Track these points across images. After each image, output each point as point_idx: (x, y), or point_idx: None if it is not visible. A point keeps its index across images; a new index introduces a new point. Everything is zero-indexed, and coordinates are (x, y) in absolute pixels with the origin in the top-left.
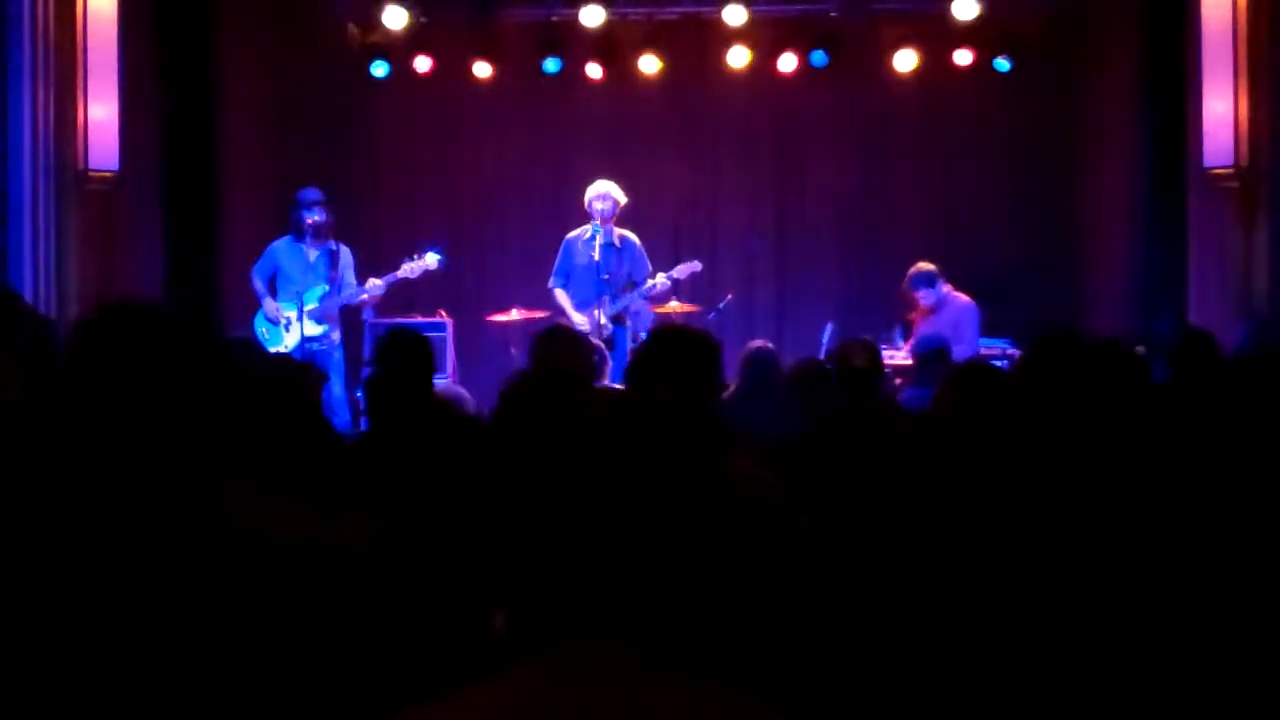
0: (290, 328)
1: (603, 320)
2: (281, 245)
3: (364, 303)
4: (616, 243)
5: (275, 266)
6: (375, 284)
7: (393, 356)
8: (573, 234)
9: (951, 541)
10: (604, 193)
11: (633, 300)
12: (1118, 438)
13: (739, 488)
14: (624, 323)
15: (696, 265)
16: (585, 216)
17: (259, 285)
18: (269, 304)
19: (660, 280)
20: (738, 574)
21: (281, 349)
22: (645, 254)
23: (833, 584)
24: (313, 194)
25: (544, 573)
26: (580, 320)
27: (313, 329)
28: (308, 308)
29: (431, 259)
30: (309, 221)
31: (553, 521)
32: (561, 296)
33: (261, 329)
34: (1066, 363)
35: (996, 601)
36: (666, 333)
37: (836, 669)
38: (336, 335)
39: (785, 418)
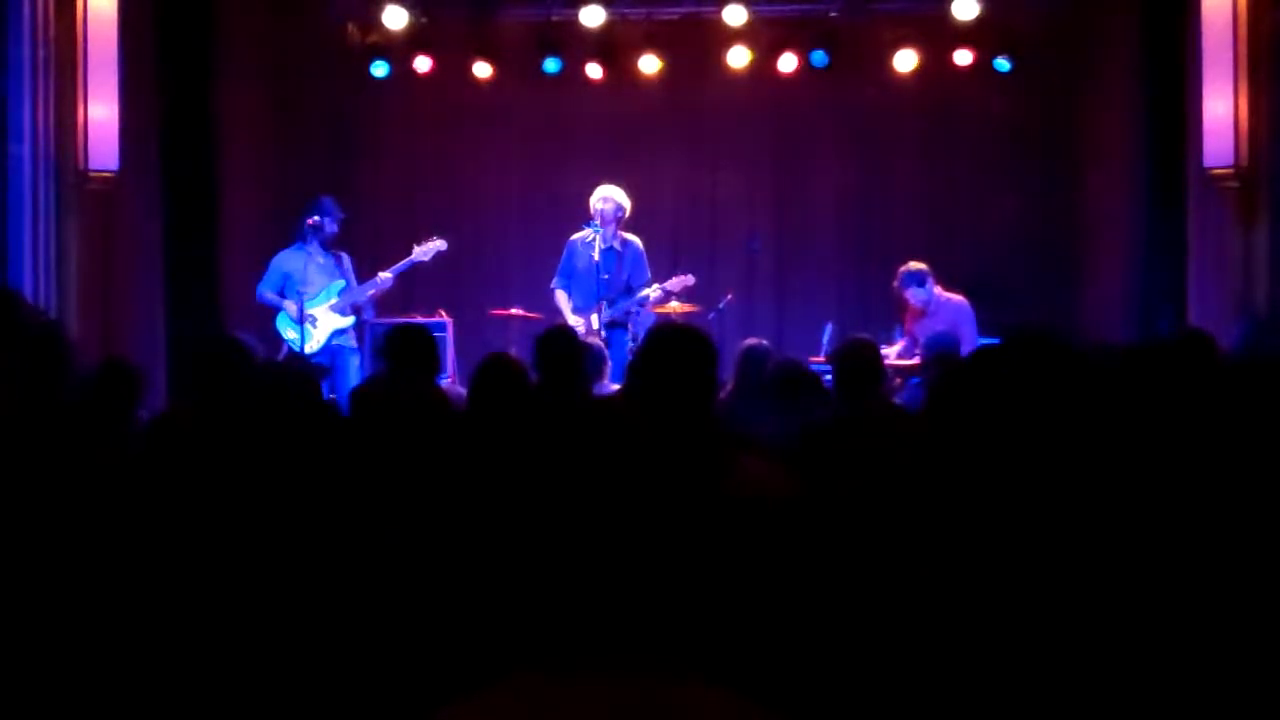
0: (317, 324)
1: (596, 324)
2: (287, 255)
3: (373, 296)
4: (618, 246)
5: (285, 276)
6: (385, 276)
7: (400, 353)
8: (576, 236)
9: (954, 541)
10: (606, 195)
11: (630, 305)
12: (1113, 438)
13: (750, 487)
14: (623, 326)
15: (689, 279)
16: (584, 216)
17: (272, 298)
18: (291, 305)
19: (654, 292)
20: (749, 574)
21: (313, 346)
22: (646, 260)
23: (844, 581)
24: (335, 205)
25: (548, 580)
26: (576, 323)
27: (341, 321)
28: (331, 302)
29: (439, 241)
30: (329, 230)
31: (554, 529)
32: (561, 298)
33: (287, 331)
34: (1044, 364)
35: (1006, 604)
36: (662, 333)
37: (847, 667)
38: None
39: (779, 416)
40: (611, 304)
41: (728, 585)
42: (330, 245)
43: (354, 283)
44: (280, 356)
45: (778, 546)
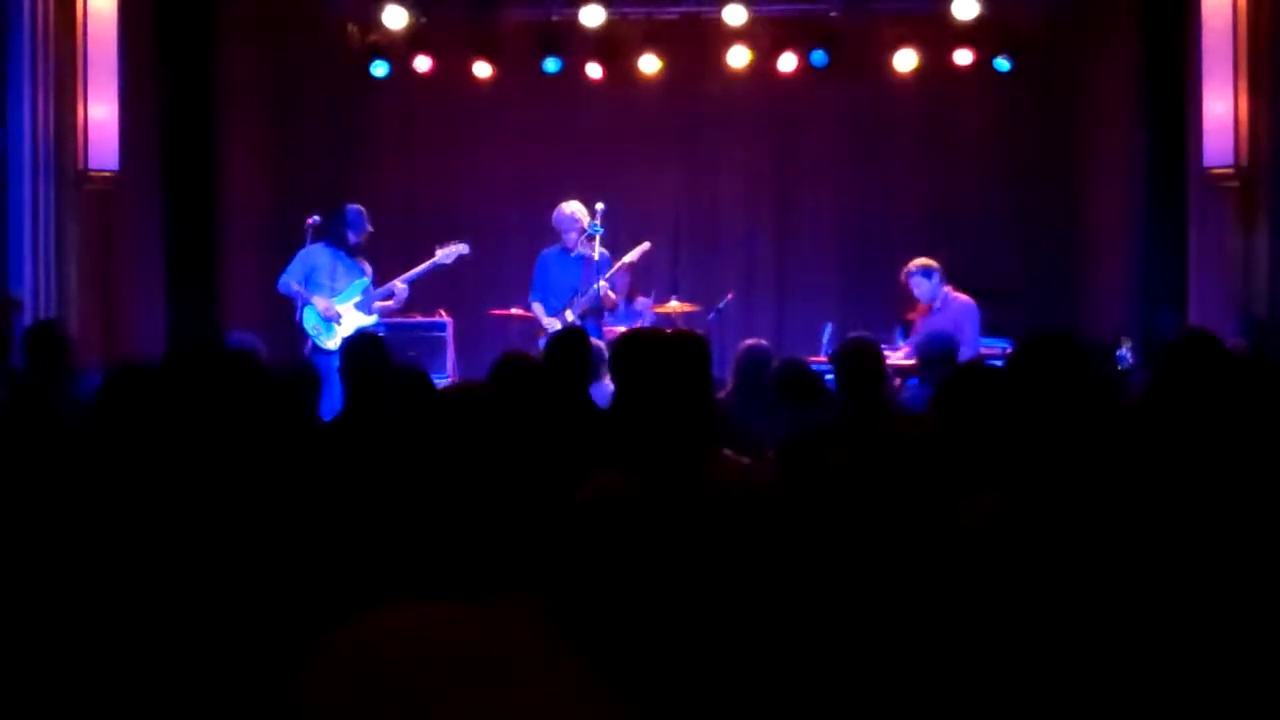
0: (342, 321)
1: (570, 319)
2: (314, 251)
3: (389, 308)
4: (588, 254)
5: (312, 268)
6: (401, 287)
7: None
8: (547, 250)
9: (949, 542)
10: (561, 210)
11: (595, 296)
12: (1113, 439)
13: (727, 482)
14: (595, 315)
15: (646, 244)
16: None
17: (298, 290)
18: (322, 302)
19: (622, 262)
20: (719, 567)
21: (335, 343)
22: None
23: (824, 581)
24: (361, 216)
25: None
26: (552, 324)
27: (364, 320)
28: (355, 300)
29: (461, 244)
30: (355, 240)
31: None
32: (537, 309)
33: (312, 326)
34: (1061, 365)
35: (990, 606)
36: (644, 339)
37: (825, 668)
38: None
39: (779, 417)
40: (580, 298)
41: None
42: (353, 253)
43: (372, 287)
44: (305, 351)
45: (754, 541)
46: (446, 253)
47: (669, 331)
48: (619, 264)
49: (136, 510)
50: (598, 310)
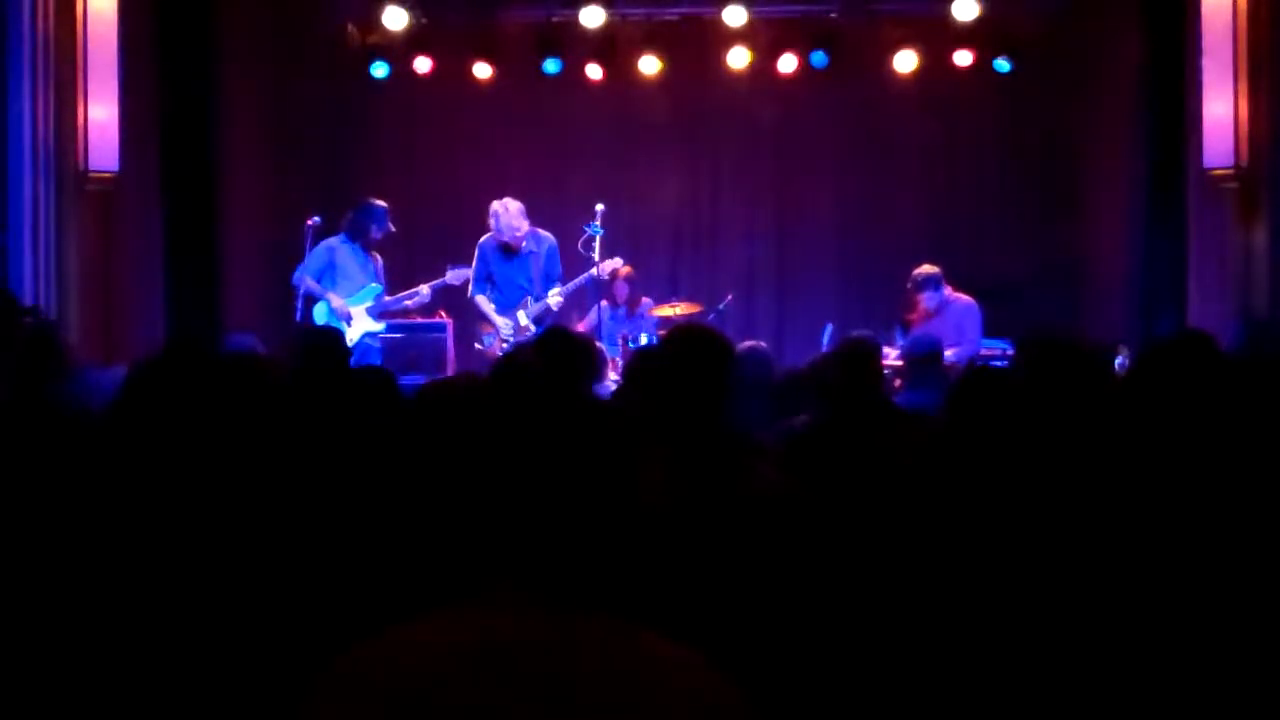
0: (352, 323)
1: (524, 321)
2: (336, 244)
3: (407, 309)
4: (534, 245)
5: (330, 264)
6: (426, 291)
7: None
8: (486, 240)
9: (958, 545)
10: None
11: (549, 301)
12: (1113, 440)
13: (764, 492)
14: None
15: (618, 260)
16: (584, 216)
17: (313, 285)
18: (337, 300)
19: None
20: (753, 569)
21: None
22: (559, 254)
23: (845, 583)
24: (386, 215)
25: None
26: (503, 324)
27: (373, 325)
28: (367, 305)
29: (468, 271)
30: (377, 234)
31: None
32: (482, 301)
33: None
34: (1061, 367)
35: (999, 605)
36: (681, 335)
37: (846, 667)
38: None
39: (776, 417)
40: (536, 300)
41: (737, 583)
42: (369, 247)
43: (384, 286)
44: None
45: (789, 550)
46: (456, 275)
47: (710, 328)
48: (570, 284)
49: (147, 512)
50: (545, 316)
